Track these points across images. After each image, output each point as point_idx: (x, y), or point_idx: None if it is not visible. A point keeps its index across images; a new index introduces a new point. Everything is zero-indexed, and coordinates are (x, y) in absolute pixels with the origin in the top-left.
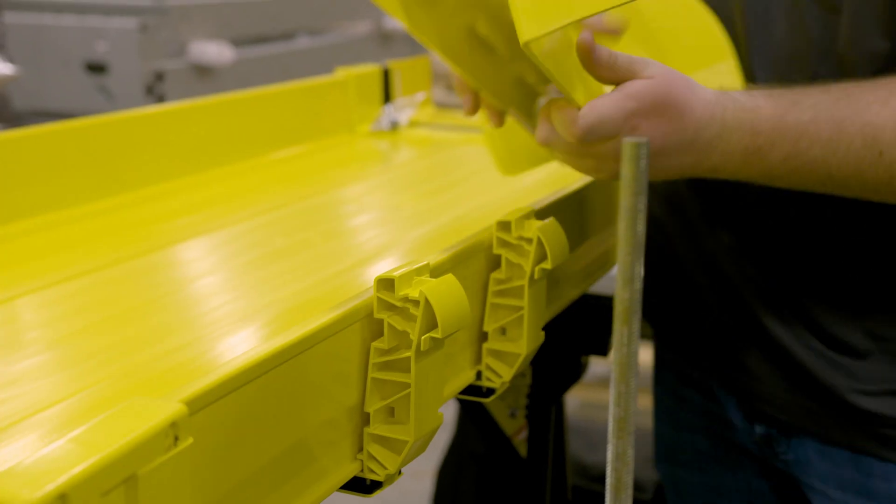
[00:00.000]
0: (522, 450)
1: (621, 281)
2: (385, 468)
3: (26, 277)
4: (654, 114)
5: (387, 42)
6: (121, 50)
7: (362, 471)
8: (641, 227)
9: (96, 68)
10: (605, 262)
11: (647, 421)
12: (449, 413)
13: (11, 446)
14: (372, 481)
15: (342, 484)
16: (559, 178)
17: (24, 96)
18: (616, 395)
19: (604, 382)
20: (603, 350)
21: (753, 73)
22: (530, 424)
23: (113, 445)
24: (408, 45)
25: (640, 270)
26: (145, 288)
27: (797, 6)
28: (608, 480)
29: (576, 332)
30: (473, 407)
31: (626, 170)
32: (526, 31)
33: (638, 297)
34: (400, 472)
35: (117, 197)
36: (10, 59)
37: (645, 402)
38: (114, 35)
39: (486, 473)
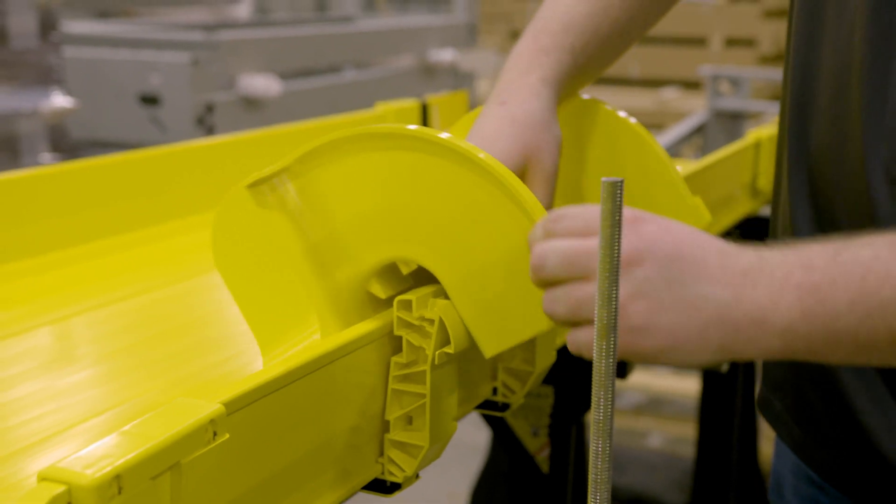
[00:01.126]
0: (545, 467)
1: (600, 301)
2: (403, 471)
3: (80, 298)
4: (649, 254)
5: (430, 75)
6: (173, 83)
7: (383, 473)
8: (618, 256)
9: (150, 100)
10: None
11: (687, 449)
12: (482, 438)
13: (70, 445)
14: (392, 483)
15: (364, 484)
16: None
17: (80, 127)
18: (595, 401)
19: (635, 410)
20: (622, 373)
21: (864, 151)
22: (552, 443)
23: (160, 437)
24: (451, 79)
25: (616, 293)
26: (192, 307)
27: None
28: (589, 477)
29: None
30: (500, 426)
31: (605, 205)
32: (487, 350)
33: (615, 315)
34: (417, 476)
35: (167, 224)
36: (69, 92)
37: (685, 430)
38: (167, 69)
39: (514, 491)
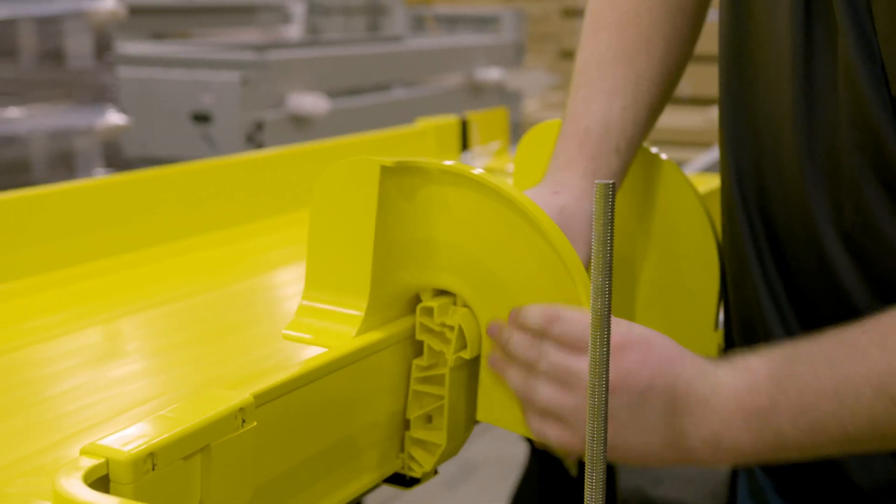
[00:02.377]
0: (574, 470)
1: (594, 294)
2: (422, 466)
3: (130, 301)
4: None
5: (477, 94)
6: (224, 101)
7: (403, 468)
8: (610, 251)
9: (201, 118)
10: None
11: None
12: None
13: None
14: (411, 477)
15: (385, 477)
16: None
17: (134, 145)
18: (591, 386)
19: None
20: None
21: (810, 203)
22: None
23: (193, 421)
24: (498, 98)
25: (610, 286)
26: (237, 310)
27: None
28: (587, 457)
29: None
30: None
31: (598, 205)
32: (481, 415)
33: (608, 307)
34: (436, 472)
35: (214, 234)
36: (122, 110)
37: None
38: (218, 87)
39: (545, 497)
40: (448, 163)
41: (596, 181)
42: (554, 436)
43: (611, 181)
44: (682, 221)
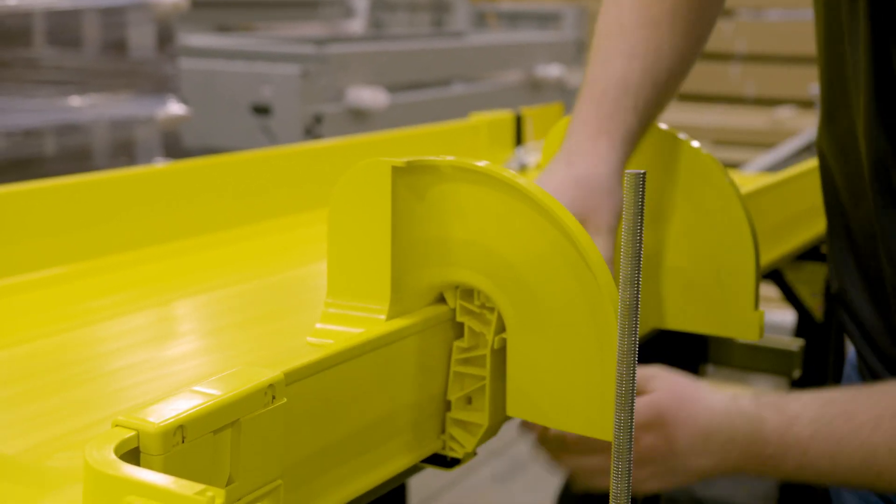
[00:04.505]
0: None
1: (623, 283)
2: (463, 447)
3: (185, 285)
4: (655, 427)
5: (537, 90)
6: (284, 94)
7: (444, 448)
8: (639, 241)
9: (261, 110)
10: None
11: None
12: None
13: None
14: (452, 458)
15: (425, 458)
16: None
17: (194, 135)
18: (619, 376)
19: None
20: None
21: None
22: None
23: (223, 395)
24: (557, 94)
25: (639, 275)
26: (289, 296)
27: None
28: (614, 444)
29: (666, 358)
30: None
31: (628, 196)
32: (510, 410)
33: (637, 296)
34: (475, 452)
35: (268, 222)
36: (184, 101)
37: None
38: (278, 80)
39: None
40: (460, 159)
41: (626, 171)
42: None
43: (642, 171)
44: (714, 207)
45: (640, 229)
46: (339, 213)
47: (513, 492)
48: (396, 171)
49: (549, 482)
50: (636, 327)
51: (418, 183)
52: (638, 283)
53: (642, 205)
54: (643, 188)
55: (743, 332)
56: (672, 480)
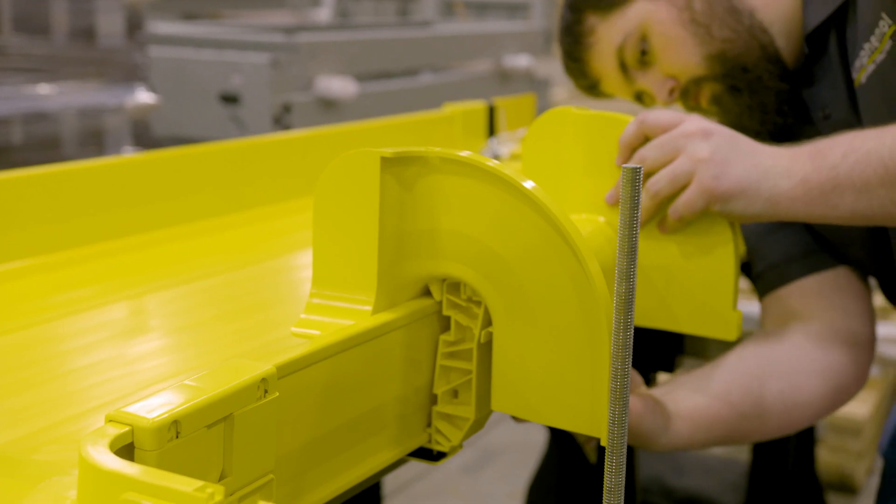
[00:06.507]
0: (593, 457)
1: (619, 277)
2: (449, 440)
3: (155, 278)
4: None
5: (505, 81)
6: (253, 83)
7: (430, 442)
8: (635, 235)
9: (230, 99)
10: None
11: (743, 453)
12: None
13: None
14: (438, 451)
15: (411, 451)
16: None
17: (163, 124)
18: (613, 371)
19: None
20: (669, 367)
21: None
22: None
23: (216, 390)
24: (526, 84)
25: (635, 270)
26: (261, 289)
27: None
28: (608, 438)
29: (644, 350)
30: None
31: (625, 190)
32: (496, 404)
33: (632, 290)
34: (461, 445)
35: (239, 214)
36: (153, 90)
37: None
38: (248, 69)
39: (563, 485)
40: (447, 150)
41: (623, 165)
42: (667, 188)
43: (638, 165)
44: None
45: (636, 224)
46: (324, 202)
47: (483, 482)
48: (385, 161)
49: (520, 472)
50: (632, 322)
51: (406, 174)
52: (633, 278)
53: (638, 199)
54: (640, 182)
55: (722, 332)
56: (739, 172)
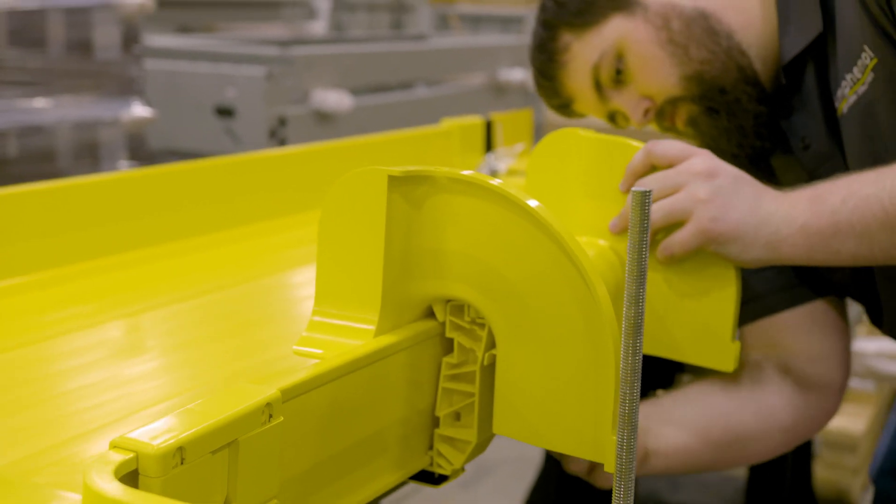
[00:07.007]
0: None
1: (628, 301)
2: (451, 464)
3: (151, 296)
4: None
5: (500, 94)
6: (248, 96)
7: (431, 465)
8: (645, 259)
9: (225, 112)
10: None
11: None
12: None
13: (137, 427)
14: (439, 475)
15: (412, 474)
16: None
17: (158, 137)
18: (622, 396)
19: None
20: (668, 384)
21: None
22: None
23: (221, 416)
24: (521, 98)
25: (644, 294)
26: (260, 306)
27: None
28: (616, 464)
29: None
30: None
31: (634, 213)
32: (497, 429)
33: (641, 315)
34: (463, 469)
35: (236, 229)
36: (148, 103)
37: None
38: (243, 82)
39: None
40: (455, 171)
41: (632, 188)
42: (660, 220)
43: (648, 189)
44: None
45: (646, 248)
46: (330, 219)
47: (478, 497)
48: (393, 180)
49: (516, 487)
50: (640, 346)
51: (414, 193)
52: (643, 302)
53: (647, 223)
54: (649, 206)
55: (719, 363)
56: (739, 216)
